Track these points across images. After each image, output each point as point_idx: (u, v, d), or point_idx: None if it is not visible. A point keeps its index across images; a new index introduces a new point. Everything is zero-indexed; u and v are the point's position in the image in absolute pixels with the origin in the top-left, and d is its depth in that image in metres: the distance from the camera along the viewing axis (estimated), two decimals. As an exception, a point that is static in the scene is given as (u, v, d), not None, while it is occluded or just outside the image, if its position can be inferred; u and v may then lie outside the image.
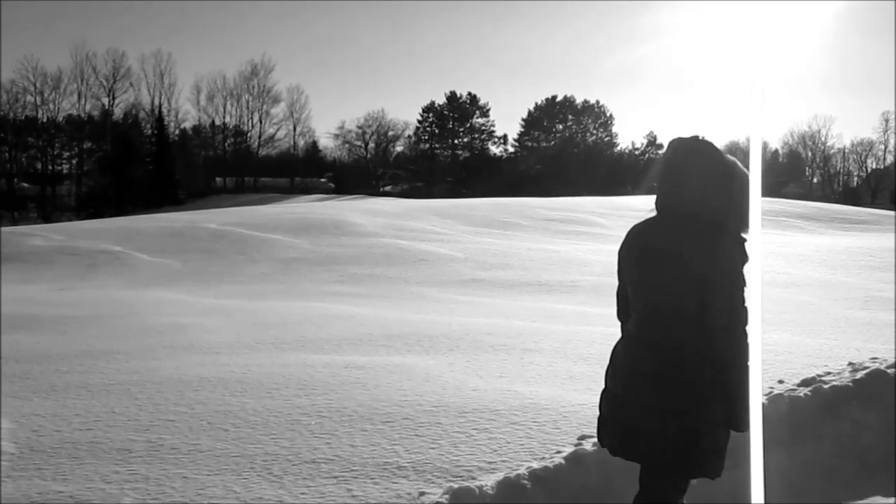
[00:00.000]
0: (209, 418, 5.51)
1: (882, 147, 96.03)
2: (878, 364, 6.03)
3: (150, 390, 6.27)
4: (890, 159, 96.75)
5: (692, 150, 3.36)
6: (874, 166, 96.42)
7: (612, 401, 3.42)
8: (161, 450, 4.90)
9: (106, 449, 4.92)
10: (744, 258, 3.24)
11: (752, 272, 3.19)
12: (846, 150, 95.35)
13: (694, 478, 3.34)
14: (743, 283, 3.21)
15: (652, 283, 3.33)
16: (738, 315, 3.17)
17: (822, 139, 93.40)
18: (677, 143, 3.39)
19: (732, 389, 3.18)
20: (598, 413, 3.52)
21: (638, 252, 3.42)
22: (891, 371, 5.88)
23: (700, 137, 3.40)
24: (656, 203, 3.42)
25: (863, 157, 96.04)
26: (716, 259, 3.17)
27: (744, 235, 3.29)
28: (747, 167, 3.25)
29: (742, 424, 3.22)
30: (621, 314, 3.62)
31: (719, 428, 3.23)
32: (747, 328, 3.20)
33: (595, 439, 4.67)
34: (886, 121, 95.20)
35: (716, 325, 3.15)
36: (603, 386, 3.53)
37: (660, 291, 3.31)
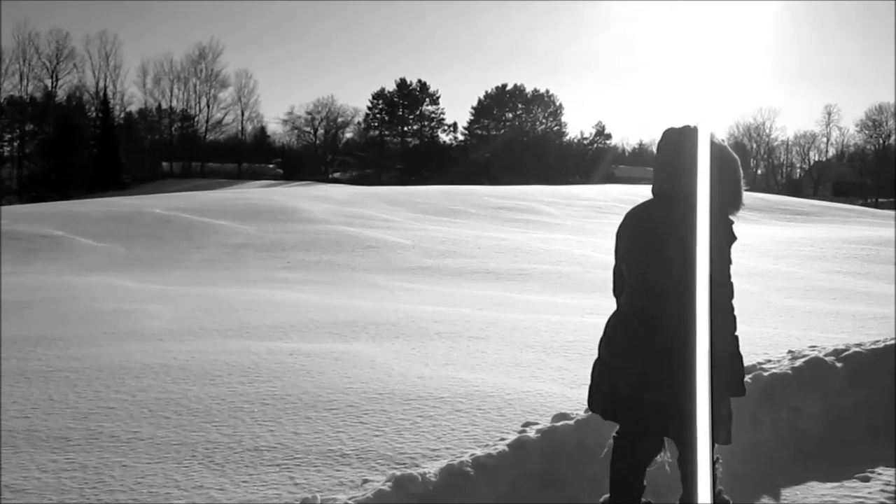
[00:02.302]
0: (150, 406, 5.43)
1: (824, 140, 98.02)
2: (816, 352, 6.14)
3: (90, 377, 6.17)
4: (832, 152, 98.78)
5: (684, 139, 3.54)
6: (816, 158, 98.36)
7: (605, 368, 3.65)
8: (100, 438, 4.82)
9: (43, 437, 4.83)
10: (731, 238, 3.49)
11: (699, 261, 3.29)
12: (789, 143, 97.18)
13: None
14: (729, 261, 3.47)
15: (645, 261, 3.54)
16: (726, 291, 3.44)
17: (767, 131, 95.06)
18: (670, 133, 3.61)
19: (723, 359, 3.39)
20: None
21: (633, 233, 3.65)
22: (829, 359, 5.99)
23: (691, 126, 3.59)
24: (652, 188, 3.65)
25: (805, 150, 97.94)
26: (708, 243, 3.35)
27: (731, 217, 3.53)
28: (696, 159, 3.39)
29: (739, 389, 3.56)
30: (616, 291, 3.82)
31: (713, 397, 3.34)
32: (734, 302, 3.48)
33: (539, 426, 4.71)
34: (829, 114, 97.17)
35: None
36: (596, 356, 3.75)
37: (652, 269, 3.52)
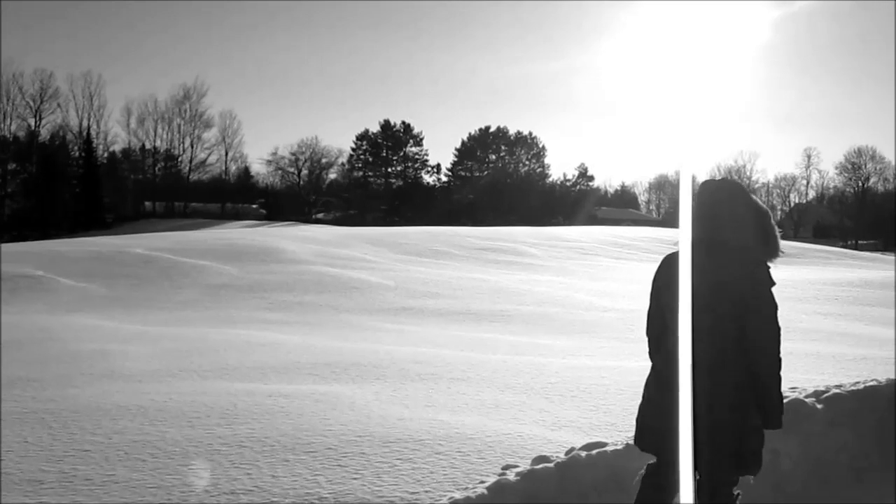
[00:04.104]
0: (126, 448, 5.36)
1: (804, 182, 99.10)
2: (796, 393, 6.14)
3: (65, 419, 6.09)
4: (812, 194, 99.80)
5: (724, 190, 3.87)
6: (797, 201, 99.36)
7: (657, 408, 3.82)
8: (74, 481, 4.75)
9: (16, 480, 4.75)
10: (771, 281, 3.73)
11: (682, 301, 3.41)
12: (770, 185, 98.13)
13: (741, 475, 3.81)
14: (775, 306, 3.70)
15: (694, 308, 3.65)
16: (775, 335, 3.67)
17: (748, 174, 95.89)
18: (710, 185, 3.91)
19: (769, 396, 3.71)
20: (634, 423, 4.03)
21: (673, 278, 3.79)
22: (809, 400, 5.99)
23: (728, 179, 3.99)
24: (692, 237, 3.83)
25: (786, 192, 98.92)
26: (753, 287, 3.65)
27: (769, 263, 3.80)
28: (677, 200, 3.60)
29: (777, 423, 3.76)
30: (650, 331, 4.08)
31: (757, 432, 3.73)
32: (780, 347, 3.71)
33: (519, 469, 4.68)
34: (809, 157, 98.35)
35: (756, 345, 3.65)
36: (642, 398, 3.99)
37: (701, 316, 3.65)
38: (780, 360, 3.71)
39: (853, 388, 6.45)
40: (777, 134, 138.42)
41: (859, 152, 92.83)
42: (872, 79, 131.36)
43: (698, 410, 3.57)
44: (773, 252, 3.85)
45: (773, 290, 3.74)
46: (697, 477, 3.81)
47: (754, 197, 3.92)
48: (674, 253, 3.89)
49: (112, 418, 6.10)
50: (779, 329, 3.69)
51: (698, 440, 3.56)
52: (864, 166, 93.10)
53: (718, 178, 3.98)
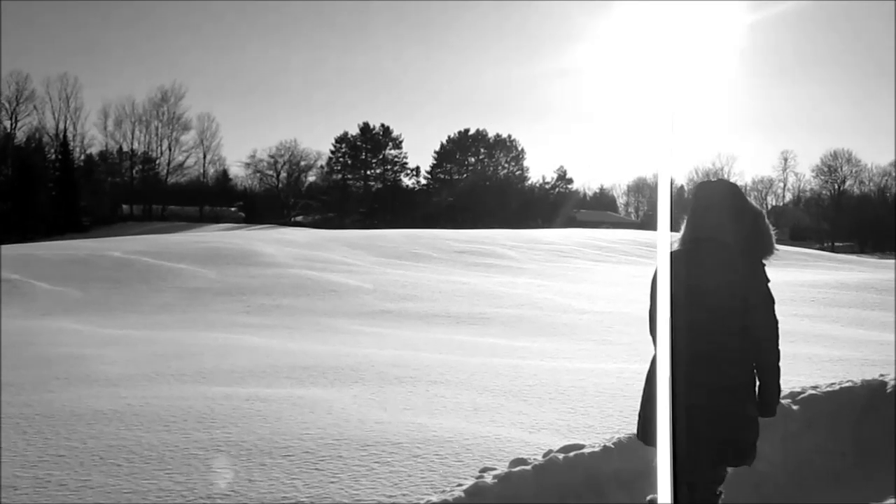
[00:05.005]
0: (101, 453, 5.32)
1: (781, 185, 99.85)
2: (773, 396, 6.18)
3: (40, 424, 6.03)
4: (789, 197, 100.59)
5: (720, 191, 4.03)
6: (774, 203, 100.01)
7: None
8: (48, 486, 4.70)
9: (-11, 486, 4.70)
10: (767, 278, 3.91)
11: (661, 302, 3.45)
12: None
13: (737, 465, 3.98)
14: (773, 300, 3.91)
15: (696, 304, 3.77)
16: (774, 328, 3.88)
17: (725, 176, 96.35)
18: (706, 186, 4.12)
19: (770, 387, 3.94)
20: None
21: (675, 277, 3.89)
22: (785, 402, 6.03)
23: (724, 180, 4.20)
24: (687, 235, 4.00)
25: (763, 195, 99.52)
26: (753, 284, 3.83)
27: (764, 261, 3.98)
28: (656, 202, 3.69)
29: (773, 411, 4.01)
30: (653, 329, 4.13)
31: (755, 422, 3.90)
32: (779, 339, 3.91)
33: (497, 471, 4.68)
34: (785, 160, 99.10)
35: (757, 340, 3.83)
36: (642, 392, 4.13)
37: (703, 311, 3.80)
38: (779, 351, 3.89)
39: (829, 389, 6.50)
40: (754, 136, 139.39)
41: (835, 155, 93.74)
42: (850, 82, 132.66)
43: (696, 405, 3.63)
44: (769, 250, 4.01)
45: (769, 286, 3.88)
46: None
47: (749, 198, 4.07)
48: (673, 252, 3.94)
49: (88, 423, 6.05)
50: (777, 322, 3.86)
51: (694, 435, 3.61)
52: (840, 169, 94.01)
53: (714, 179, 4.08)
